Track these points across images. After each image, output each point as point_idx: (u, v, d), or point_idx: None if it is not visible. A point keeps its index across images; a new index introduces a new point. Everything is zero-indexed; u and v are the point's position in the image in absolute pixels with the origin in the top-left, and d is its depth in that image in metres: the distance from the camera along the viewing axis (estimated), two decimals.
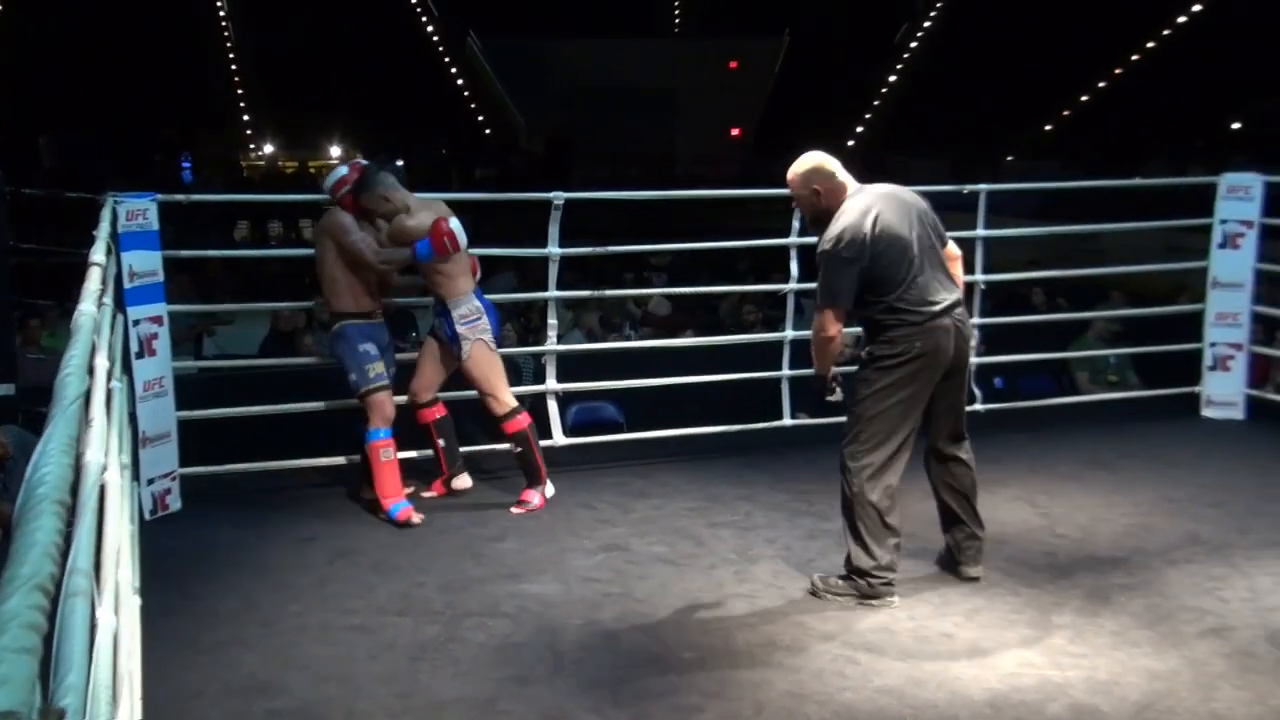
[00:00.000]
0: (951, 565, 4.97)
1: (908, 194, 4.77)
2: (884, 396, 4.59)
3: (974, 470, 4.93)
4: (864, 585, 4.66)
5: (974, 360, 7.29)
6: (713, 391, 6.83)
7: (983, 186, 7.25)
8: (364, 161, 6.00)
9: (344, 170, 5.85)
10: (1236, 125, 30.58)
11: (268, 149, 35.24)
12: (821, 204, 4.65)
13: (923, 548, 5.29)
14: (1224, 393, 7.55)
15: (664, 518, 5.72)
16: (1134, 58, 34.86)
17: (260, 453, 6.17)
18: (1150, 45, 34.86)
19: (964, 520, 4.92)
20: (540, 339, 7.07)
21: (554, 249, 6.50)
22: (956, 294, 4.67)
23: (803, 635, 4.39)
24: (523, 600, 4.72)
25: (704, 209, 17.24)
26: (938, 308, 4.55)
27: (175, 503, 5.81)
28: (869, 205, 4.56)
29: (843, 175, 4.67)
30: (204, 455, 6.00)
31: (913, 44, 39.64)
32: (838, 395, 4.80)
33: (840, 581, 4.74)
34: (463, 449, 6.31)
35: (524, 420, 5.85)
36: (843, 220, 4.55)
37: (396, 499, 5.61)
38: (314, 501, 5.97)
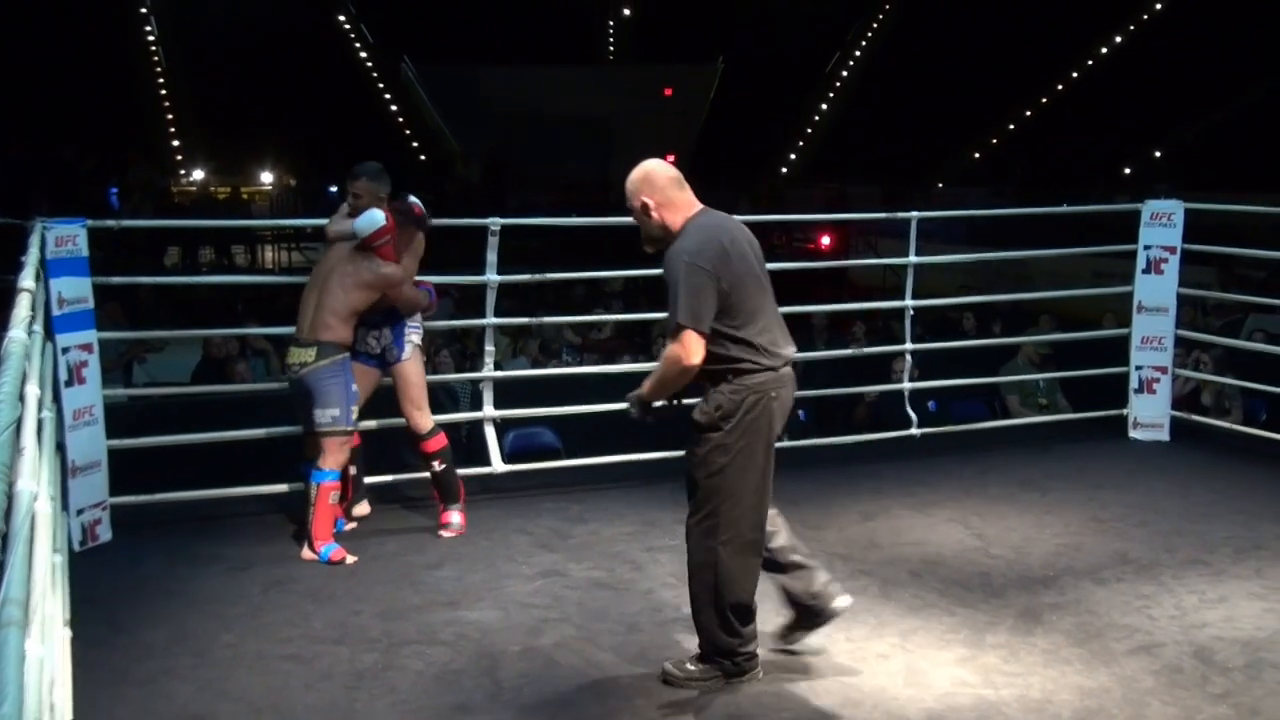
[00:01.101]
0: (814, 618, 4.42)
1: (748, 232, 4.26)
2: (733, 465, 4.02)
3: (783, 533, 4.40)
4: (729, 665, 4.16)
5: (908, 385, 7.44)
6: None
7: (914, 214, 7.36)
8: (397, 203, 5.74)
9: (381, 218, 5.46)
10: (1158, 154, 31.31)
11: (198, 174, 34.81)
12: (653, 220, 4.11)
13: (857, 569, 5.34)
14: (1150, 415, 7.70)
15: (602, 543, 5.72)
16: (1059, 88, 35.61)
17: (192, 481, 6.08)
18: (1075, 75, 35.64)
19: (803, 569, 4.37)
20: (477, 365, 7.05)
21: (492, 276, 6.50)
22: (793, 347, 4.19)
23: None
24: (461, 627, 4.69)
25: (636, 235, 17.28)
26: (787, 355, 4.09)
27: (105, 533, 5.70)
28: (723, 224, 4.13)
29: (681, 191, 4.12)
30: (135, 485, 5.90)
31: (844, 73, 40.18)
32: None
33: (698, 666, 4.19)
34: (400, 476, 6.29)
35: (444, 439, 5.85)
36: (697, 234, 4.03)
37: (328, 541, 5.46)
38: (248, 530, 5.89)
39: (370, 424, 6.26)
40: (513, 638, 4.60)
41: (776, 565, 4.34)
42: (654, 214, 4.11)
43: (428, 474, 5.94)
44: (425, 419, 5.79)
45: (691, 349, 3.94)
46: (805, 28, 38.71)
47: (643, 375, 7.33)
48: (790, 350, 4.13)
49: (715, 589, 4.09)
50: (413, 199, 5.84)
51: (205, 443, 6.12)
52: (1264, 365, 7.91)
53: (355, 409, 5.54)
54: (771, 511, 4.25)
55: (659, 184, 4.11)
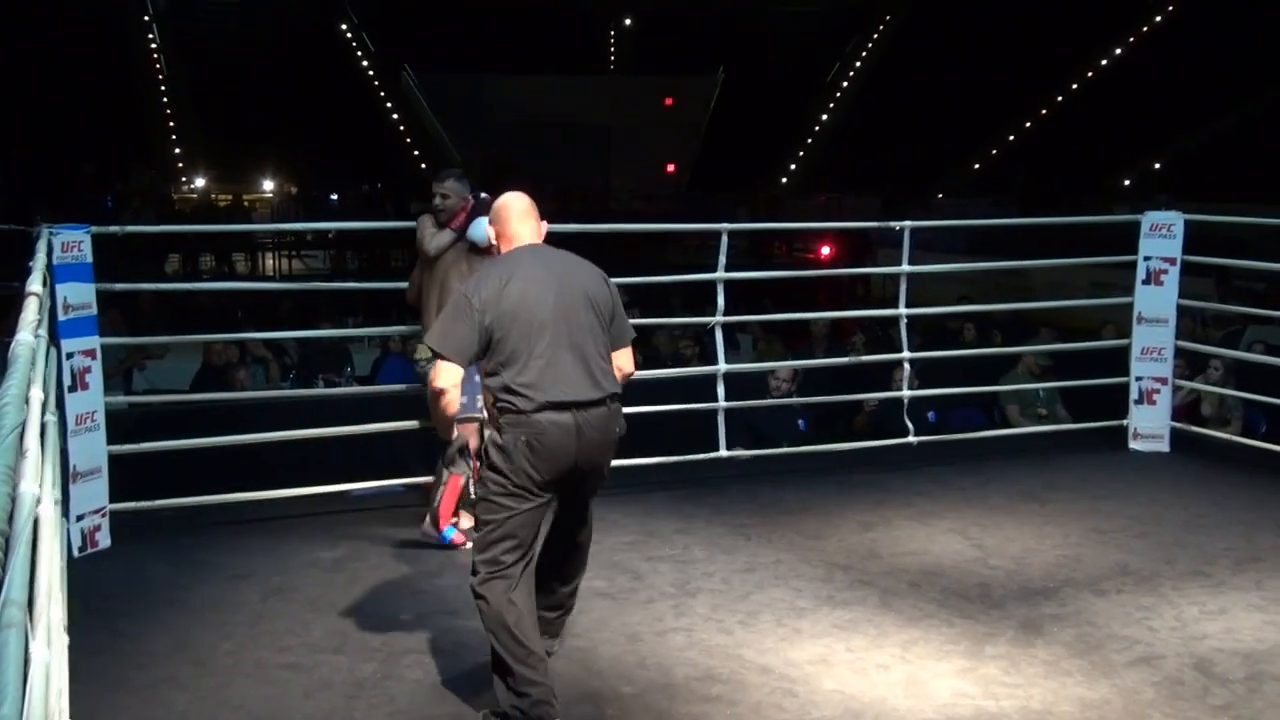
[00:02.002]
0: None
1: (584, 274, 4.10)
2: (500, 499, 3.92)
3: (559, 616, 4.32)
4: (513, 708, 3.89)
5: (906, 394, 7.45)
6: (648, 424, 6.85)
7: (907, 224, 7.38)
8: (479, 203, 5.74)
9: (487, 224, 5.05)
10: (1158, 165, 31.36)
11: (200, 182, 34.86)
12: (495, 245, 4.22)
13: (857, 579, 5.34)
14: (1150, 426, 7.71)
15: (601, 552, 5.70)
16: (1059, 99, 35.68)
17: (192, 488, 6.08)
18: (1075, 86, 35.71)
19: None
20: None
21: None
22: (599, 394, 3.95)
23: (740, 668, 4.40)
24: (460, 636, 4.68)
25: (640, 244, 17.32)
26: (559, 399, 3.87)
27: (105, 539, 5.70)
28: (514, 263, 4.03)
29: (519, 227, 4.12)
30: (135, 491, 5.90)
31: (845, 83, 40.26)
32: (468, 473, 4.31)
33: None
34: (401, 480, 6.29)
35: None
36: (490, 269, 4.10)
37: (450, 524, 5.70)
38: (248, 538, 5.89)
39: (374, 428, 6.28)
40: None
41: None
42: (495, 242, 4.21)
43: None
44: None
45: (439, 373, 3.94)
46: (805, 38, 38.82)
47: (643, 383, 7.37)
48: (573, 392, 3.90)
49: (492, 634, 3.93)
50: (485, 196, 5.84)
51: (205, 449, 6.11)
52: (1264, 377, 7.91)
53: (479, 398, 5.55)
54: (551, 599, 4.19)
55: (501, 216, 4.16)
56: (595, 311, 4.03)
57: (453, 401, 3.97)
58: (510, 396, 3.90)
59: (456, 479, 5.50)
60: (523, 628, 3.89)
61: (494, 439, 3.96)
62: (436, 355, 3.96)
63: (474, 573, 3.95)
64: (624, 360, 4.17)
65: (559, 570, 4.20)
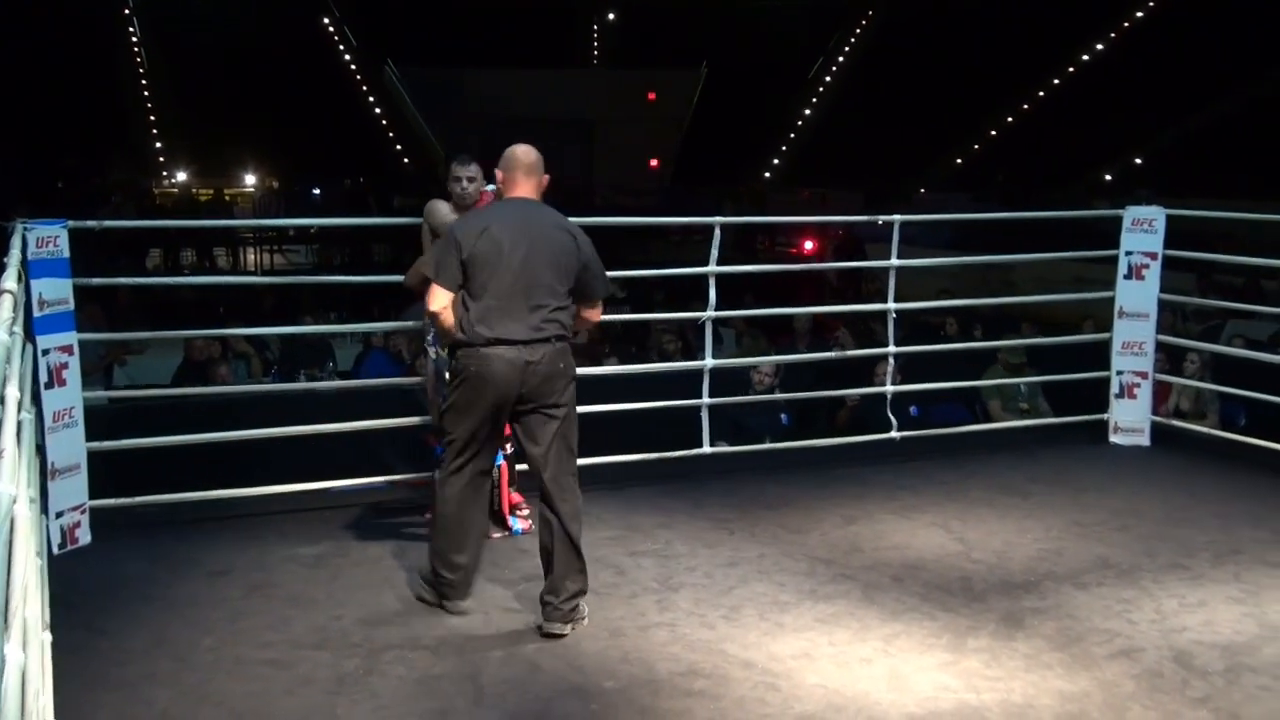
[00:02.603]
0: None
1: (557, 235, 4.65)
2: (450, 409, 4.68)
3: (562, 536, 4.68)
4: (433, 581, 4.85)
5: (890, 389, 7.46)
6: (632, 420, 6.85)
7: (896, 217, 7.38)
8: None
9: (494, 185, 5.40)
10: (1139, 160, 31.48)
11: (181, 176, 34.69)
12: (501, 192, 4.83)
13: (839, 573, 5.35)
14: (1130, 420, 7.74)
15: (584, 547, 5.71)
16: (1041, 94, 35.78)
17: (173, 484, 6.05)
18: (1056, 82, 35.82)
19: (548, 574, 4.71)
20: None
21: None
22: (541, 335, 4.55)
23: (724, 663, 4.41)
24: (443, 632, 4.68)
25: (623, 239, 17.30)
26: (506, 336, 4.51)
27: (85, 536, 5.67)
28: (499, 213, 4.67)
29: (519, 177, 4.73)
30: (115, 487, 5.87)
31: (827, 78, 40.29)
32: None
33: (421, 579, 4.94)
34: (379, 479, 6.27)
35: None
36: (479, 213, 4.81)
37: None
38: (228, 534, 5.86)
39: (352, 426, 6.26)
40: (495, 642, 4.59)
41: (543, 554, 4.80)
42: (500, 186, 4.83)
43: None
44: None
45: (432, 296, 4.60)
46: (789, 33, 38.82)
47: (629, 377, 7.36)
48: (520, 331, 4.54)
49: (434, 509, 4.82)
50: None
51: (186, 445, 6.08)
52: (1243, 370, 7.95)
53: None
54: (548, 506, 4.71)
55: (507, 163, 4.77)
56: (557, 267, 4.61)
57: (448, 318, 4.59)
58: (467, 330, 4.55)
59: (502, 471, 5.67)
60: (460, 522, 4.71)
61: (452, 364, 4.69)
62: (435, 282, 4.58)
63: (440, 465, 4.78)
64: (590, 311, 4.84)
65: (552, 507, 4.68)
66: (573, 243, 4.68)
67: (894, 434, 7.39)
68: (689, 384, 7.06)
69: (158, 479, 6.04)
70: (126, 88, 35.32)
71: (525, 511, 5.90)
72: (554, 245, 4.62)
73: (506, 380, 4.54)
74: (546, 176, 4.82)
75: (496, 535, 5.74)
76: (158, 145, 35.01)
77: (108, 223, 6.12)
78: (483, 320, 4.53)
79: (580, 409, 6.00)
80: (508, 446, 5.75)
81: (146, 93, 35.78)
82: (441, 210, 5.69)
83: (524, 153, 4.76)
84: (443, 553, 4.78)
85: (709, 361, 7.05)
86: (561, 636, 4.61)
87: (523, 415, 4.65)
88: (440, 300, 4.58)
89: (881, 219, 7.47)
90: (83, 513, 5.66)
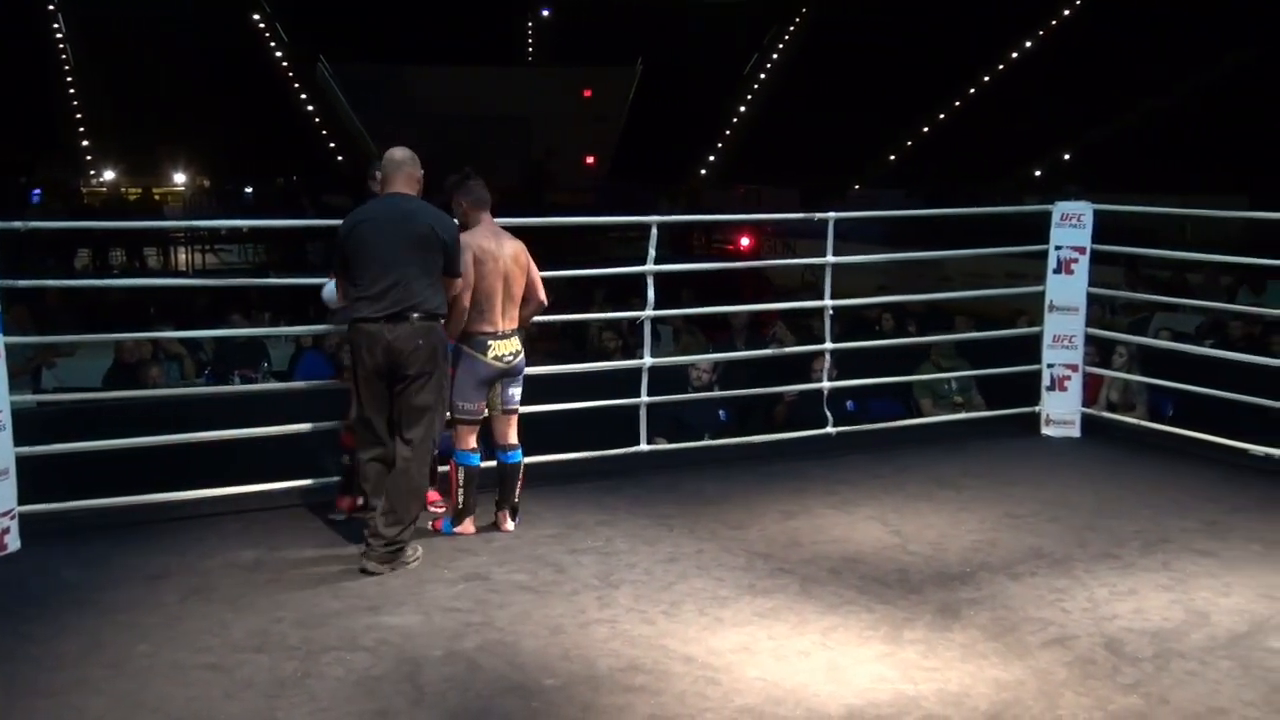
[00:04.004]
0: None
1: (418, 217, 5.30)
2: (357, 384, 5.38)
3: (401, 475, 5.35)
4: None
5: (826, 385, 7.53)
6: (571, 418, 6.85)
7: (832, 214, 7.44)
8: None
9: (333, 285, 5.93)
10: (1067, 156, 31.96)
11: (109, 175, 34.09)
12: (375, 191, 5.51)
13: (778, 568, 5.39)
14: (1062, 412, 7.87)
15: (524, 545, 5.71)
16: (972, 91, 36.20)
17: (104, 489, 5.95)
18: (987, 79, 36.26)
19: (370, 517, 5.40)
20: None
21: None
22: (410, 304, 5.22)
23: (664, 658, 4.43)
24: (382, 632, 4.65)
25: (562, 237, 17.25)
26: (378, 314, 5.20)
27: (14, 542, 5.57)
28: (369, 212, 5.34)
29: (393, 173, 5.37)
30: (44, 492, 5.77)
31: (762, 75, 40.48)
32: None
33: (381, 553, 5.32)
34: (318, 480, 6.22)
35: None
36: (354, 211, 5.41)
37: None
38: (163, 538, 5.78)
39: (287, 429, 6.20)
40: (435, 642, 4.57)
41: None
42: (375, 186, 5.53)
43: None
44: None
45: (340, 285, 5.52)
46: (723, 30, 38.94)
47: (568, 376, 7.34)
48: (389, 308, 5.20)
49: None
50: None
51: (118, 449, 5.99)
52: (1170, 363, 8.12)
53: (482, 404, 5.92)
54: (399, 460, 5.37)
55: (384, 165, 5.42)
56: (424, 249, 5.27)
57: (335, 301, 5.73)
58: (355, 308, 5.27)
59: (453, 470, 5.79)
60: (367, 477, 5.44)
61: (347, 339, 5.43)
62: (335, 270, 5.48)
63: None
64: (449, 285, 5.43)
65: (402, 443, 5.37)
66: (434, 226, 5.32)
67: (830, 429, 7.45)
68: (628, 382, 7.07)
69: (89, 483, 5.94)
70: (52, 85, 34.62)
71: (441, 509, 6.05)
72: (419, 228, 5.27)
73: (374, 354, 5.25)
74: (420, 172, 5.46)
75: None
76: (85, 144, 34.38)
77: (33, 224, 6.00)
78: (364, 299, 5.24)
79: (522, 408, 6.02)
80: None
81: (73, 90, 35.11)
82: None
83: (396, 153, 5.41)
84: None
85: (648, 360, 7.06)
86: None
87: (390, 377, 5.31)
88: (330, 291, 5.64)
89: (817, 216, 7.52)
90: (11, 518, 5.56)
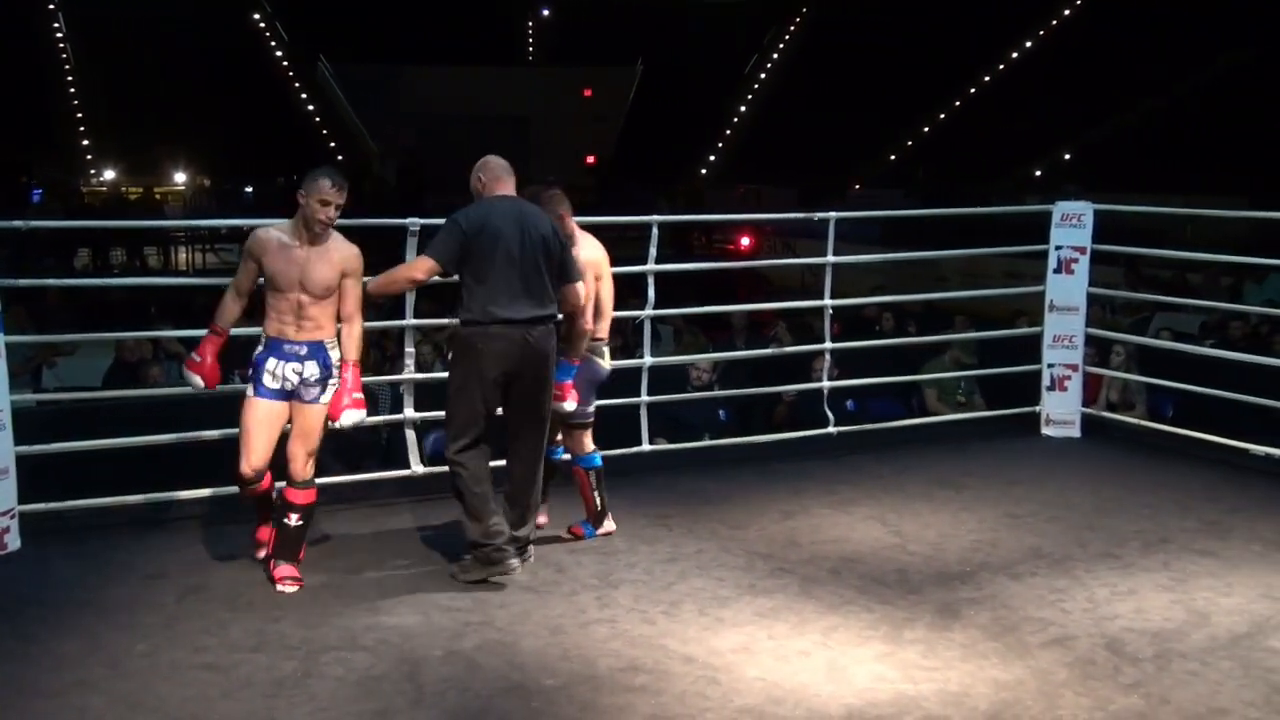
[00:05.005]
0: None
1: (535, 219, 5.19)
2: (452, 384, 5.20)
3: (533, 478, 5.33)
4: (483, 555, 5.13)
5: (826, 384, 7.53)
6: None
7: (832, 214, 7.43)
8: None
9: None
10: (1067, 156, 31.96)
11: (109, 174, 34.07)
12: (480, 191, 5.27)
13: (778, 568, 5.39)
14: (1062, 412, 7.87)
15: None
16: (972, 91, 36.19)
17: (104, 488, 5.95)
18: (987, 79, 36.25)
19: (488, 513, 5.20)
20: (397, 367, 6.98)
21: None
22: (543, 313, 5.13)
23: (664, 658, 4.42)
24: (382, 632, 4.65)
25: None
26: (519, 315, 5.06)
27: (14, 541, 5.56)
28: (492, 210, 5.14)
29: (502, 176, 5.25)
30: (44, 492, 5.76)
31: (762, 75, 40.47)
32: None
33: (461, 561, 5.24)
34: (316, 479, 6.21)
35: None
36: (477, 206, 5.18)
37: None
38: (162, 537, 5.78)
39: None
40: (435, 642, 4.57)
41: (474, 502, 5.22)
42: (481, 189, 5.28)
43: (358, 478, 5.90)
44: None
45: (417, 265, 5.25)
46: (723, 30, 38.93)
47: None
48: (523, 311, 5.07)
49: (455, 489, 5.19)
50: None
51: (117, 449, 5.98)
52: (1170, 363, 8.12)
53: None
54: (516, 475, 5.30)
55: (487, 168, 5.27)
56: (547, 254, 5.14)
57: (402, 283, 5.50)
58: (481, 309, 5.04)
59: (584, 475, 5.77)
60: (483, 486, 5.18)
61: (457, 341, 5.17)
62: (428, 255, 5.12)
63: (446, 445, 5.23)
64: (571, 292, 5.32)
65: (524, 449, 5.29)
66: (554, 228, 5.26)
67: (831, 429, 7.45)
68: (628, 380, 7.06)
69: (88, 482, 5.94)
70: (52, 84, 34.61)
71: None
72: (541, 231, 5.17)
73: (509, 355, 5.09)
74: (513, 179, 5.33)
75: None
76: (85, 143, 34.36)
77: (34, 223, 6.00)
78: (494, 301, 5.05)
79: None
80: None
81: (73, 89, 35.09)
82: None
83: (497, 159, 5.28)
84: (481, 524, 5.15)
85: (648, 359, 7.06)
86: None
87: (510, 385, 5.15)
88: (423, 272, 5.19)
89: (817, 216, 7.51)
90: (12, 518, 5.56)
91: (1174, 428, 7.68)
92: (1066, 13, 36.47)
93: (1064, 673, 4.32)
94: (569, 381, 5.54)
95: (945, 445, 7.60)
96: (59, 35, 36.10)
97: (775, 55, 40.71)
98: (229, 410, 6.61)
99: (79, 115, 34.73)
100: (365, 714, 4.00)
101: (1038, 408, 7.94)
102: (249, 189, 31.30)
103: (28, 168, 29.33)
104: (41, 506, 5.74)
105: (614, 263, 7.50)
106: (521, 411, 5.22)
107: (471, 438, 5.15)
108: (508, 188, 5.25)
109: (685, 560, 5.48)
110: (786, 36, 40.92)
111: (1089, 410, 8.00)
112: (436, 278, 5.24)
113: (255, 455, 5.10)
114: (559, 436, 5.82)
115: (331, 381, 5.10)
